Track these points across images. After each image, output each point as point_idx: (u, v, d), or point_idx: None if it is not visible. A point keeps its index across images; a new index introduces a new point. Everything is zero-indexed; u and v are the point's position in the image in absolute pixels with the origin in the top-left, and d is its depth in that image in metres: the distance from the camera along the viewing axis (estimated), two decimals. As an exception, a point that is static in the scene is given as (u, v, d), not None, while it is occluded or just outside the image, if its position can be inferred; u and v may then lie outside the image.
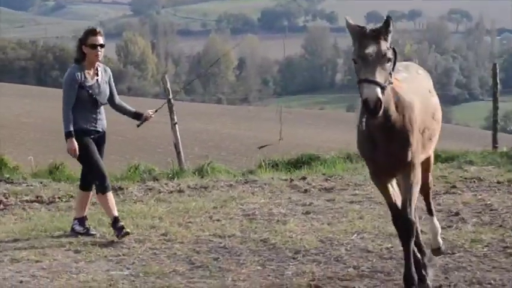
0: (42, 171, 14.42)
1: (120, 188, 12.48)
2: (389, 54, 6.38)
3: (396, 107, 6.66)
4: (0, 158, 14.52)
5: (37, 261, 8.65)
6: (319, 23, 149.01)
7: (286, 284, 7.87)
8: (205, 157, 15.68)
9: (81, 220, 9.82)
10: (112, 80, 9.93)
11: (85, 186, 9.95)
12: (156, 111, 10.21)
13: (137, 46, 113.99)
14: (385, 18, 6.44)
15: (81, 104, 9.51)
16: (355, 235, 9.60)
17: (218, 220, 10.55)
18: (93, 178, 9.73)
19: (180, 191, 12.51)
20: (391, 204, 7.09)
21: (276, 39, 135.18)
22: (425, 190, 7.85)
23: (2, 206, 11.61)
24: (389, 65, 6.38)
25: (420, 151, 7.00)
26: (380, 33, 6.36)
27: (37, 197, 12.22)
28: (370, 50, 6.30)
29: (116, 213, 9.66)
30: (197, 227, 10.11)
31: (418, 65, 7.85)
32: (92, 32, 9.63)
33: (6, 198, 12.07)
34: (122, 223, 9.60)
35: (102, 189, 9.63)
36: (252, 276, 8.12)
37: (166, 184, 13.02)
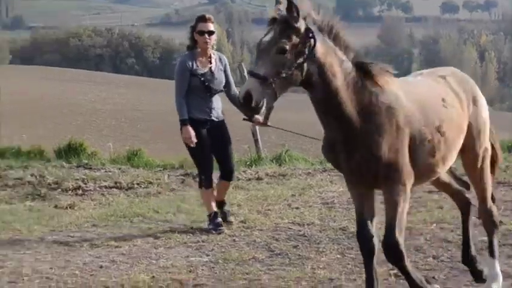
0: (120, 157, 14.53)
1: (199, 176, 12.45)
2: (287, 45, 5.61)
3: (368, 109, 5.91)
4: (79, 143, 14.68)
5: (116, 247, 8.67)
6: (395, 12, 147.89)
7: (365, 273, 7.77)
8: (282, 145, 15.63)
9: (215, 215, 9.53)
10: (228, 69, 9.70)
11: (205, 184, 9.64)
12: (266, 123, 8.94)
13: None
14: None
15: (194, 92, 9.35)
16: (434, 225, 9.43)
17: (297, 208, 10.47)
18: (199, 172, 9.62)
19: (259, 179, 12.49)
20: (358, 220, 6.27)
21: (351, 29, 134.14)
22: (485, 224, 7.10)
23: (80, 192, 11.74)
24: (284, 57, 5.60)
25: (408, 164, 6.03)
26: (276, 20, 5.69)
27: (116, 182, 12.32)
28: (261, 39, 5.70)
29: (215, 209, 9.53)
30: (276, 215, 10.04)
31: (454, 72, 6.83)
32: (202, 19, 9.48)
33: (85, 183, 12.18)
34: (220, 220, 9.45)
35: (206, 185, 9.50)
36: (331, 264, 8.02)
37: (244, 171, 12.99)
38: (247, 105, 5.55)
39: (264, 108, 5.56)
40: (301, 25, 5.63)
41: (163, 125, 29.89)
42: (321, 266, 7.91)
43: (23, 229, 9.28)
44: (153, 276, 7.54)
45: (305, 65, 5.65)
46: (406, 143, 6.00)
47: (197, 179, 10.14)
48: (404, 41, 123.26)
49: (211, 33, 9.41)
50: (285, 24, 5.62)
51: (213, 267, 7.93)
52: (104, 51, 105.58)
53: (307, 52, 5.65)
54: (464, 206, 7.28)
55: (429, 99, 6.32)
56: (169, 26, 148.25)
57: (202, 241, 8.93)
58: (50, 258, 8.13)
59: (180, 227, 9.58)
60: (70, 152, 14.53)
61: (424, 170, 6.25)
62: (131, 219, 10.01)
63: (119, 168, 13.60)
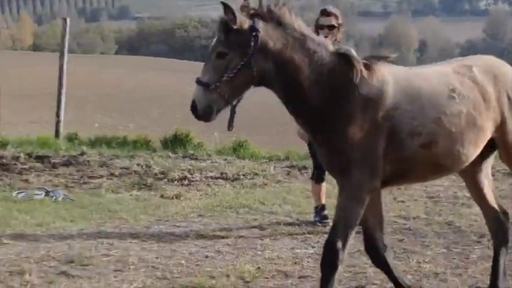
0: (226, 148, 14.61)
1: (305, 167, 12.44)
2: (226, 48, 5.57)
3: (343, 101, 5.61)
4: (185, 134, 14.82)
5: (222, 237, 8.71)
6: (501, 6, 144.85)
7: (471, 268, 7.62)
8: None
9: (322, 207, 9.41)
10: None
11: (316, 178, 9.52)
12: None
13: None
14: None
15: None
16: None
17: (402, 201, 10.36)
18: (313, 166, 9.52)
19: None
20: (363, 231, 6.11)
21: (457, 23, 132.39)
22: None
23: (186, 182, 11.84)
24: (225, 60, 5.55)
25: (373, 165, 5.69)
26: (219, 24, 5.67)
27: (221, 173, 12.38)
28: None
29: (324, 201, 9.41)
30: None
31: (486, 63, 6.24)
32: (322, 12, 9.27)
33: (191, 174, 12.28)
34: (326, 212, 9.30)
35: (317, 179, 9.37)
36: (436, 258, 7.90)
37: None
38: (194, 114, 5.55)
39: (214, 114, 5.57)
40: (244, 24, 5.53)
41: (268, 116, 29.93)
42: (426, 260, 7.81)
43: (129, 218, 9.41)
44: (259, 267, 7.53)
45: (253, 64, 5.52)
46: (379, 140, 5.68)
47: (303, 171, 10.11)
48: (510, 34, 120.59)
49: (331, 27, 9.13)
50: (225, 27, 5.57)
51: (318, 259, 7.87)
52: (209, 42, 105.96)
53: (251, 51, 5.51)
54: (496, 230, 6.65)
55: (430, 89, 5.91)
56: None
57: (308, 233, 8.88)
58: (156, 247, 8.20)
59: (285, 218, 9.56)
60: (176, 142, 14.70)
61: (418, 163, 5.88)
62: (237, 210, 10.05)
63: (225, 159, 13.68)
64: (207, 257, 7.93)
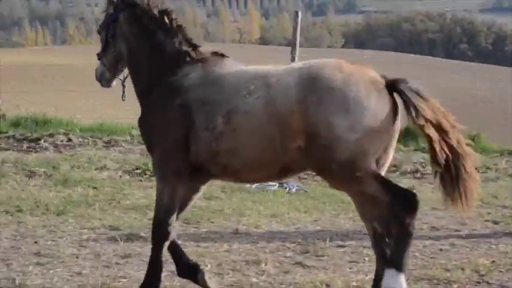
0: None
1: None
2: (99, 27, 6.46)
3: (160, 88, 6.04)
4: (416, 127, 14.72)
5: (456, 230, 8.62)
6: None
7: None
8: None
9: None
10: None
11: None
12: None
13: None
14: None
15: None
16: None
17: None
18: None
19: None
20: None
21: None
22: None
23: (419, 175, 11.78)
24: (101, 36, 6.42)
25: (175, 157, 5.86)
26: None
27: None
28: None
29: None
30: None
31: (313, 65, 5.66)
32: None
33: (423, 167, 12.20)
34: None
35: None
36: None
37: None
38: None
39: (105, 82, 6.47)
40: (110, 10, 6.31)
41: (497, 111, 29.22)
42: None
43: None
44: (493, 261, 7.41)
45: (112, 42, 6.30)
46: (176, 131, 5.82)
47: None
48: None
49: None
50: (104, 9, 6.48)
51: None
52: (436, 36, 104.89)
53: (109, 34, 6.28)
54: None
55: (234, 85, 5.77)
56: (502, 11, 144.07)
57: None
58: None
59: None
60: (408, 135, 14.60)
61: (218, 159, 5.77)
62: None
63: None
64: (441, 250, 7.88)
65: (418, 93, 5.48)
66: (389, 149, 5.67)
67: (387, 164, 5.74)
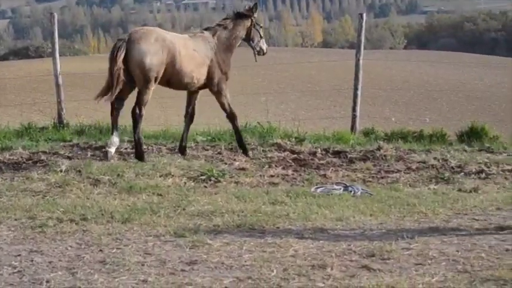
0: (525, 141, 14.26)
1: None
2: None
3: None
4: (481, 127, 14.60)
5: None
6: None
7: None
8: None
9: None
10: None
11: None
12: None
13: None
14: None
15: None
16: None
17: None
18: None
19: None
20: None
21: None
22: None
23: (484, 175, 11.64)
24: None
25: None
26: None
27: (518, 166, 12.11)
28: None
29: None
30: None
31: None
32: None
33: (488, 167, 12.06)
34: None
35: None
36: None
37: None
38: None
39: None
40: None
41: None
42: None
43: (428, 212, 9.36)
44: None
45: None
46: None
47: None
48: None
49: None
50: None
51: None
52: (498, 35, 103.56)
53: None
54: None
55: None
56: None
57: None
58: (456, 241, 8.11)
59: None
60: (472, 135, 14.50)
61: None
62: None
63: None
64: (507, 250, 7.76)
65: None
66: None
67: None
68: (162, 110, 24.17)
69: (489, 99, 38.98)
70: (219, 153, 13.09)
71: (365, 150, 13.37)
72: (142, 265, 7.28)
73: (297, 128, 14.68)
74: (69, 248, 7.90)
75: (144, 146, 12.99)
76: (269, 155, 12.91)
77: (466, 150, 13.49)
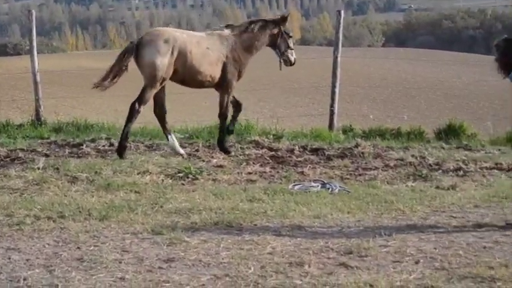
0: (500, 138, 14.31)
1: None
2: None
3: None
4: (459, 125, 14.67)
5: (499, 228, 8.52)
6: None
7: None
8: None
9: None
10: None
11: None
12: None
13: None
14: None
15: None
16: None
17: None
18: None
19: None
20: None
21: None
22: None
23: (462, 173, 11.68)
24: None
25: None
26: None
27: (496, 164, 12.17)
28: None
29: None
30: None
31: None
32: None
33: (466, 164, 12.12)
34: None
35: None
36: None
37: None
38: None
39: None
40: None
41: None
42: None
43: (405, 209, 9.38)
44: (543, 258, 7.32)
45: None
46: None
47: None
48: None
49: None
50: None
51: None
52: (476, 32, 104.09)
53: None
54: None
55: None
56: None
57: None
58: (434, 238, 8.13)
59: None
60: (450, 133, 14.56)
61: None
62: (515, 200, 9.82)
63: (499, 150, 13.45)
64: (485, 247, 7.78)
65: None
66: None
67: None
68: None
69: (467, 97, 39.19)
70: (197, 150, 13.10)
71: (343, 148, 13.42)
72: (120, 262, 7.25)
73: (275, 125, 14.69)
74: (47, 246, 7.85)
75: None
76: (247, 153, 12.93)
77: (444, 148, 13.56)
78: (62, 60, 50.14)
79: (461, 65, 55.68)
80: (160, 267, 7.12)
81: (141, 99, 12.28)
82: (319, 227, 8.63)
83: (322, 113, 18.87)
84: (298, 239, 8.09)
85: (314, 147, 13.51)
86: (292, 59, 13.26)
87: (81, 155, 12.61)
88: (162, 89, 12.59)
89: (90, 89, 12.39)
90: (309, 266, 7.12)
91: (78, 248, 7.75)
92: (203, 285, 6.61)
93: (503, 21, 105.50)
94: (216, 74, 12.63)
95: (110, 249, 7.67)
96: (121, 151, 12.29)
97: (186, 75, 12.50)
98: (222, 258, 7.35)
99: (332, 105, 15.55)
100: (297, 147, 13.36)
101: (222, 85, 12.77)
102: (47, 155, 12.52)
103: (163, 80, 12.28)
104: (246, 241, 7.97)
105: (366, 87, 39.57)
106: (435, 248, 7.72)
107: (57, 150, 13.03)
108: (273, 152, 13.02)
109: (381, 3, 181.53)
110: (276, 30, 13.07)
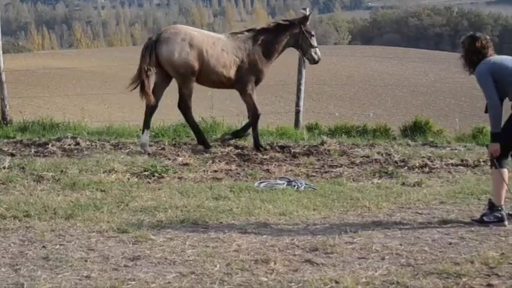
0: (466, 135, 14.41)
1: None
2: None
3: None
4: (425, 121, 14.75)
5: (465, 224, 8.57)
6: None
7: None
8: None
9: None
10: None
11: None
12: None
13: None
14: None
15: None
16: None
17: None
18: None
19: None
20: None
21: None
22: None
23: (427, 169, 11.75)
24: None
25: None
26: None
27: (462, 160, 12.25)
28: None
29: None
30: None
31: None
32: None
33: (432, 161, 12.19)
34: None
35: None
36: None
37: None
38: None
39: None
40: None
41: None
42: None
43: (371, 206, 9.40)
44: (503, 253, 7.37)
45: None
46: None
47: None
48: None
49: None
50: None
51: None
52: (443, 30, 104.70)
53: None
54: None
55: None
56: (508, 3, 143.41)
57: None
58: (400, 234, 8.16)
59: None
60: (415, 130, 14.65)
61: None
62: (479, 196, 9.88)
63: (465, 146, 13.54)
64: (450, 243, 7.82)
65: None
66: None
67: None
68: (106, 106, 24.00)
69: (433, 94, 39.40)
70: (163, 148, 13.08)
71: (309, 145, 13.47)
72: (86, 261, 7.21)
73: (241, 123, 14.69)
74: (12, 245, 7.80)
75: (88, 143, 12.92)
76: (212, 150, 12.92)
77: (409, 145, 13.65)
78: (28, 60, 49.73)
79: (428, 62, 55.98)
80: (126, 266, 7.09)
81: (182, 96, 12.78)
82: (285, 224, 8.64)
83: (289, 110, 18.92)
84: (264, 236, 8.09)
85: (280, 144, 13.55)
86: (315, 57, 13.36)
87: (47, 154, 12.54)
88: (164, 84, 12.83)
89: (130, 91, 12.80)
90: (275, 263, 7.12)
91: (44, 246, 7.70)
92: (169, 283, 6.60)
93: (469, 18, 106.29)
94: (231, 76, 12.84)
95: (75, 248, 7.63)
96: (203, 143, 13.10)
97: (201, 74, 12.70)
98: (188, 256, 7.35)
99: (298, 103, 15.58)
100: (262, 144, 13.36)
101: (239, 88, 13.02)
102: (12, 155, 12.44)
103: (193, 73, 12.62)
104: (211, 239, 7.96)
105: (333, 85, 39.69)
106: (401, 245, 7.75)
107: (22, 149, 12.95)
108: (239, 150, 13.04)
109: (347, 1, 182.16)
110: (296, 30, 13.12)
